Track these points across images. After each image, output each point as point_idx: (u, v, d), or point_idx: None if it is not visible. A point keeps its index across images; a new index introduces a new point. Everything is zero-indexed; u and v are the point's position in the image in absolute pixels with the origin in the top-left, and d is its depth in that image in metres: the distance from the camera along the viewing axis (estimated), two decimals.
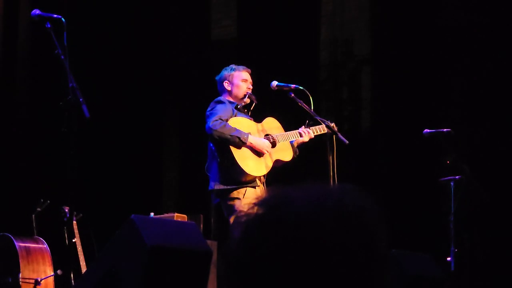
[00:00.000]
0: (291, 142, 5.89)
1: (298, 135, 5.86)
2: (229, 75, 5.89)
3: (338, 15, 8.79)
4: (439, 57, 7.97)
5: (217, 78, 5.97)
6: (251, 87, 5.90)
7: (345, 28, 8.74)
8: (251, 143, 5.61)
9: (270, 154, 5.74)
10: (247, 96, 5.86)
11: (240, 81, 5.87)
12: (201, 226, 6.90)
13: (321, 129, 5.88)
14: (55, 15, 4.63)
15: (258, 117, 5.97)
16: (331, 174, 5.42)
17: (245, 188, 5.63)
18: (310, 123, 5.88)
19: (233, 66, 5.95)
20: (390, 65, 8.27)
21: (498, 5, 7.81)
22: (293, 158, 5.89)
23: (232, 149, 5.56)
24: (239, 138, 5.55)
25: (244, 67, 5.95)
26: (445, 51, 7.94)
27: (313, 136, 5.88)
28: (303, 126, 5.89)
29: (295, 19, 8.73)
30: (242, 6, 9.16)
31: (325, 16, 8.85)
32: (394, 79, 8.20)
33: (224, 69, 5.97)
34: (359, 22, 8.68)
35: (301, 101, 5.67)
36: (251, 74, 5.96)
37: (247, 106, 5.96)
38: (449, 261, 6.29)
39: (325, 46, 8.82)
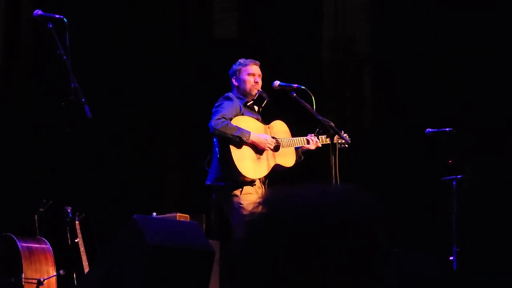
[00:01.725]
0: (296, 148, 5.83)
1: (305, 141, 5.78)
2: (236, 71, 5.81)
3: (340, 15, 8.79)
4: (441, 56, 7.97)
5: (229, 72, 5.89)
6: (259, 81, 5.80)
7: (347, 27, 8.74)
8: (253, 140, 5.54)
9: (273, 156, 5.69)
10: (258, 93, 5.77)
11: (246, 75, 5.77)
12: (204, 226, 6.90)
13: (329, 139, 5.77)
14: (57, 15, 4.63)
15: (266, 119, 5.88)
16: (333, 173, 5.40)
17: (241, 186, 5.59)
18: (320, 131, 5.81)
19: (241, 60, 5.85)
20: (392, 64, 8.27)
21: (498, 4, 7.80)
22: (296, 163, 5.82)
23: (232, 148, 5.50)
24: (240, 138, 5.50)
25: (252, 60, 5.84)
26: (447, 50, 7.93)
27: (320, 146, 5.80)
28: (313, 134, 5.83)
29: (297, 19, 8.72)
30: (244, 5, 9.15)
31: (327, 16, 8.85)
32: (396, 78, 8.19)
33: (234, 63, 5.88)
34: (361, 21, 8.67)
35: (303, 101, 5.64)
36: (260, 67, 5.85)
37: (258, 103, 5.85)
38: (451, 260, 6.28)
39: (327, 46, 8.81)
